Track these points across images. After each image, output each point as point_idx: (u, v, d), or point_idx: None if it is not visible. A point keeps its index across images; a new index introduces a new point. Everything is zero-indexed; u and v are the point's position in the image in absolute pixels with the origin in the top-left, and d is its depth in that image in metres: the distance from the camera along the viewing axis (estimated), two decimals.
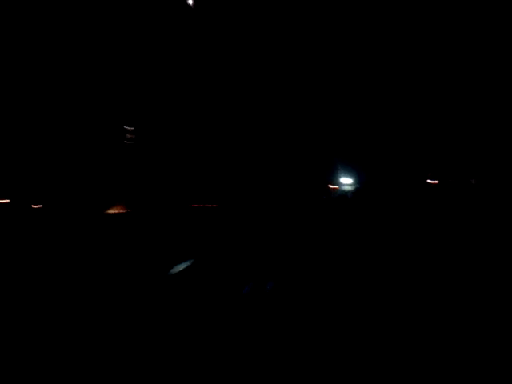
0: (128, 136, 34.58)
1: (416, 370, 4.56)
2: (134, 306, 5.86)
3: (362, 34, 33.95)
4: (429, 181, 34.75)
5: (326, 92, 34.55)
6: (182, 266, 8.41)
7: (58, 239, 17.89)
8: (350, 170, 36.28)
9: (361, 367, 4.64)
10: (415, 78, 33.95)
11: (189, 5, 30.22)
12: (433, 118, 34.36)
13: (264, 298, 5.90)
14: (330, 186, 37.23)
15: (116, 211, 36.53)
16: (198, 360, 4.39)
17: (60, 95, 36.20)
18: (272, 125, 36.06)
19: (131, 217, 34.50)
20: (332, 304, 5.55)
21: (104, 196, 36.53)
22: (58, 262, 10.59)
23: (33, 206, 37.42)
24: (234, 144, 36.05)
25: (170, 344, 4.36)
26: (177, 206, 36.47)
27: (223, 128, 36.42)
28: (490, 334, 4.67)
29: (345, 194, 36.18)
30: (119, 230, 23.60)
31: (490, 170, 34.28)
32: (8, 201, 38.23)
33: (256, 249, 10.37)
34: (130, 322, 5.18)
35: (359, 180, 36.32)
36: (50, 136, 36.55)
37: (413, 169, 35.48)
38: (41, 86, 35.24)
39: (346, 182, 37.04)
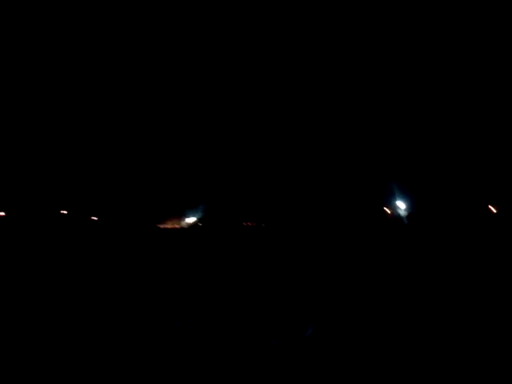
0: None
1: None
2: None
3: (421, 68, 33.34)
4: (490, 208, 32.94)
5: (388, 117, 33.94)
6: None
7: (115, 249, 18.20)
8: (407, 194, 35.12)
9: None
10: (476, 109, 32.85)
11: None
12: (493, 145, 32.88)
13: (301, 345, 5.05)
14: (386, 210, 36.19)
15: (171, 226, 37.32)
16: None
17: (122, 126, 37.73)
18: (332, 148, 35.83)
19: (184, 232, 34.95)
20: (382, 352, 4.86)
21: (160, 211, 37.47)
22: (119, 268, 10.77)
23: (91, 217, 38.81)
24: (292, 164, 36.05)
25: None
26: (229, 224, 36.66)
27: (282, 151, 36.53)
28: None
29: (400, 218, 34.91)
30: (173, 244, 23.78)
31: None
32: (66, 212, 39.79)
33: (296, 287, 9.68)
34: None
35: (415, 205, 35.03)
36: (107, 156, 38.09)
37: (472, 196, 33.88)
38: (101, 108, 36.89)
39: (402, 206, 35.86)
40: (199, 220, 39.51)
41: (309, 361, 4.74)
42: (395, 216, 37.71)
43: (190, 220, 40.20)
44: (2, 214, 36.29)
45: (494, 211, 35.80)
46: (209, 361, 4.68)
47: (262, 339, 5.40)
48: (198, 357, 4.80)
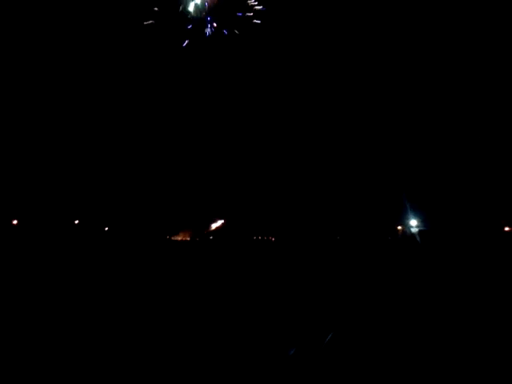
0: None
1: None
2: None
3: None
4: (506, 229, 32.73)
5: (401, 136, 34.00)
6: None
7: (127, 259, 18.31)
8: (419, 212, 35.06)
9: None
10: (489, 126, 32.83)
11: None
12: (506, 163, 32.77)
13: (320, 351, 5.19)
14: (398, 228, 36.13)
15: (182, 238, 37.47)
16: None
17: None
18: (345, 165, 35.91)
19: (196, 245, 35.02)
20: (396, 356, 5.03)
21: (171, 223, 37.65)
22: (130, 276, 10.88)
23: (105, 228, 39.04)
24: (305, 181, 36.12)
25: None
26: (238, 237, 36.73)
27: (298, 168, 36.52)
28: None
29: (412, 235, 34.78)
30: (183, 256, 23.80)
31: None
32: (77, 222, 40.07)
33: (315, 297, 9.89)
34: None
35: (427, 223, 34.88)
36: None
37: (486, 215, 33.68)
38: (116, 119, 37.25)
39: (414, 223, 35.75)
40: (211, 233, 39.72)
41: (328, 368, 4.88)
42: (406, 233, 37.65)
43: (202, 232, 40.46)
44: (15, 222, 36.74)
45: (507, 229, 35.57)
46: (226, 372, 4.77)
47: (279, 349, 5.50)
48: (214, 367, 4.88)
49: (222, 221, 39.19)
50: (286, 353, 5.19)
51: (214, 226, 39.67)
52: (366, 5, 32.69)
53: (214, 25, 30.44)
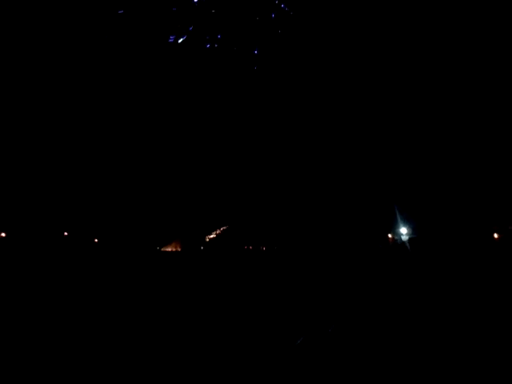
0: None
1: None
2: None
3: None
4: (495, 235, 32.94)
5: (392, 146, 34.30)
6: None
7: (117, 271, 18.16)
8: (410, 221, 35.26)
9: None
10: (480, 133, 33.12)
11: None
12: (497, 171, 33.04)
13: (325, 340, 5.71)
14: (389, 236, 36.21)
15: (172, 249, 37.21)
16: None
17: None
18: (336, 173, 36.12)
19: (186, 256, 34.77)
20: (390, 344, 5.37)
21: (160, 234, 37.41)
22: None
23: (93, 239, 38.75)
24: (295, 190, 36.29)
25: None
26: (230, 247, 36.58)
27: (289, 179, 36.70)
28: None
29: (402, 243, 34.95)
30: (173, 267, 23.64)
31: None
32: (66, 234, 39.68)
33: (314, 295, 10.26)
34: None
35: (417, 231, 35.07)
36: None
37: (476, 222, 33.86)
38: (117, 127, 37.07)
39: (404, 232, 35.92)
40: (201, 243, 39.49)
41: (333, 357, 5.07)
42: (397, 241, 37.79)
43: (192, 243, 40.18)
44: (3, 234, 36.22)
45: (496, 237, 35.76)
46: (236, 364, 4.77)
47: (287, 339, 5.74)
48: (222, 361, 4.86)
49: (215, 231, 39.10)
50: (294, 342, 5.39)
51: (206, 235, 39.55)
52: (366, 5, 32.90)
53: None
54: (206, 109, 37.05)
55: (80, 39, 33.30)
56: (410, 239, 36.61)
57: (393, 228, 35.32)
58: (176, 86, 35.54)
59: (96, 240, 38.34)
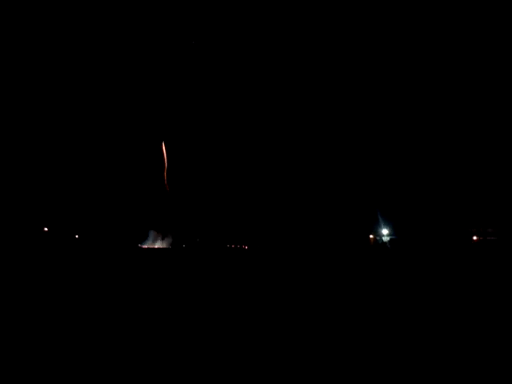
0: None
1: None
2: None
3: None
4: (474, 238, 33.63)
5: (373, 147, 34.73)
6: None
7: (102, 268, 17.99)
8: (390, 222, 35.86)
9: None
10: (464, 132, 33.69)
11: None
12: (479, 174, 33.71)
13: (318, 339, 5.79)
14: (370, 237, 36.75)
15: (158, 246, 36.87)
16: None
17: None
18: (318, 177, 36.37)
19: (171, 253, 34.54)
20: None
21: (143, 230, 37.12)
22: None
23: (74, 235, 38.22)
24: (279, 190, 36.42)
25: None
26: (213, 245, 36.50)
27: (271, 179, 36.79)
28: None
29: (383, 244, 35.51)
30: (158, 264, 23.49)
31: None
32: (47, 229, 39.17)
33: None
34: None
35: (398, 232, 35.68)
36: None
37: (456, 224, 34.54)
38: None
39: (385, 232, 36.52)
40: (183, 241, 39.28)
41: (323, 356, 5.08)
42: (378, 241, 38.43)
43: (174, 240, 39.93)
44: None
45: (475, 239, 36.57)
46: (218, 365, 4.76)
47: (279, 340, 5.71)
48: (203, 361, 4.85)
49: (198, 229, 38.99)
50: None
51: (189, 233, 39.40)
52: (366, 5, 33.11)
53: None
54: (200, 107, 37.12)
55: (80, 39, 33.14)
56: (390, 240, 37.23)
57: (374, 229, 35.87)
58: (176, 86, 35.54)
59: (77, 236, 37.92)
